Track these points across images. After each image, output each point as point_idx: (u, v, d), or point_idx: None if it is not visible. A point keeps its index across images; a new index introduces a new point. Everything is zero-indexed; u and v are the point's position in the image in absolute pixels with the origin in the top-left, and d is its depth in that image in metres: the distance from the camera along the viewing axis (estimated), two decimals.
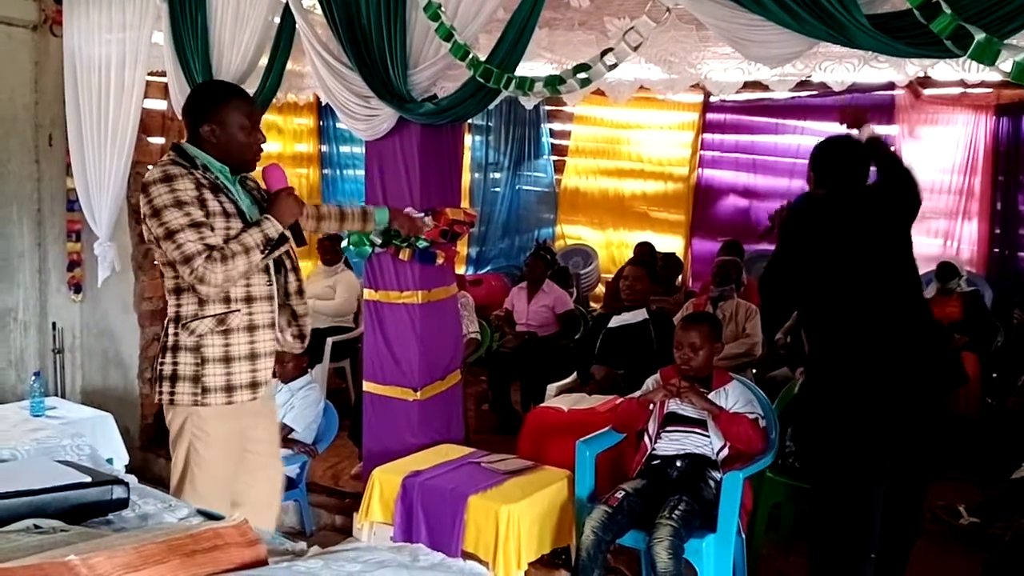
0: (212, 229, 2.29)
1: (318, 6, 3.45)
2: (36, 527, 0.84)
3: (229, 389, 2.36)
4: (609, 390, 3.82)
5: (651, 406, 3.08)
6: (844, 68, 4.02)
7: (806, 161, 2.99)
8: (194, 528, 0.81)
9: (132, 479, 1.01)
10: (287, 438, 3.66)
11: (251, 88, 3.87)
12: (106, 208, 4.30)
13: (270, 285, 2.45)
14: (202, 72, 3.81)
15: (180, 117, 4.22)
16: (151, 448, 4.65)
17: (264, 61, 3.80)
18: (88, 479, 0.96)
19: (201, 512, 0.98)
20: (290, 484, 3.55)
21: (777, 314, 3.42)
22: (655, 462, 3.03)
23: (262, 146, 2.50)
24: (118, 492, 0.97)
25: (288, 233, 2.41)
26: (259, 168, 2.55)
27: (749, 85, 4.62)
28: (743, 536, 2.96)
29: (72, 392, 4.85)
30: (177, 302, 2.39)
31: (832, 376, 2.69)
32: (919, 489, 2.76)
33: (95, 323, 4.84)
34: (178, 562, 0.71)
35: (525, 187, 8.81)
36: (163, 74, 4.13)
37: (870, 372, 2.60)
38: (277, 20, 3.70)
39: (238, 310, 2.38)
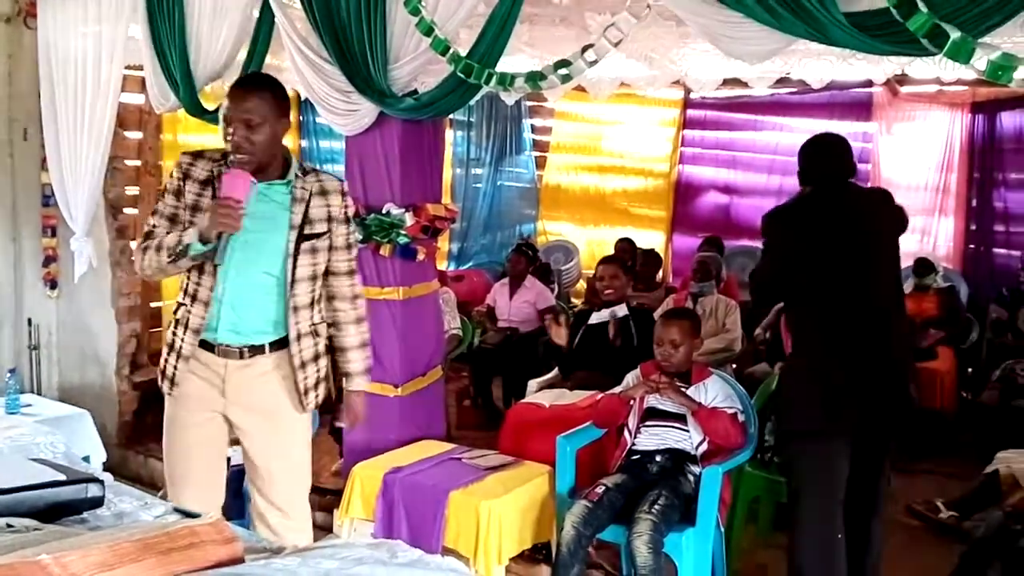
0: (172, 220, 2.39)
1: (297, 0, 3.43)
2: (9, 526, 0.83)
3: (162, 376, 2.50)
4: (590, 386, 3.83)
5: (631, 401, 3.09)
6: (822, 65, 4.08)
7: (786, 158, 3.04)
8: (170, 526, 0.80)
9: (108, 477, 1.01)
10: None
11: (230, 82, 3.84)
12: (82, 203, 4.24)
13: (211, 291, 2.38)
14: (179, 66, 3.77)
15: (157, 111, 4.22)
16: (129, 445, 4.60)
17: (243, 55, 3.76)
18: (63, 477, 0.95)
19: (177, 510, 0.97)
20: None
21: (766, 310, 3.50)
22: (635, 457, 3.04)
23: (239, 145, 2.30)
24: (93, 490, 0.96)
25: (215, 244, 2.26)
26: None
27: (729, 82, 4.67)
28: (722, 530, 2.98)
29: (48, 389, 4.79)
30: None
31: (805, 361, 2.77)
32: (878, 466, 2.80)
33: (71, 319, 4.78)
34: (154, 560, 0.71)
35: (507, 183, 8.79)
36: (140, 68, 4.08)
37: (838, 352, 2.67)
38: (256, 14, 3.66)
39: (185, 304, 2.43)
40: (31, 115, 4.59)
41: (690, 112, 7.97)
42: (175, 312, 2.47)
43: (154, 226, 2.39)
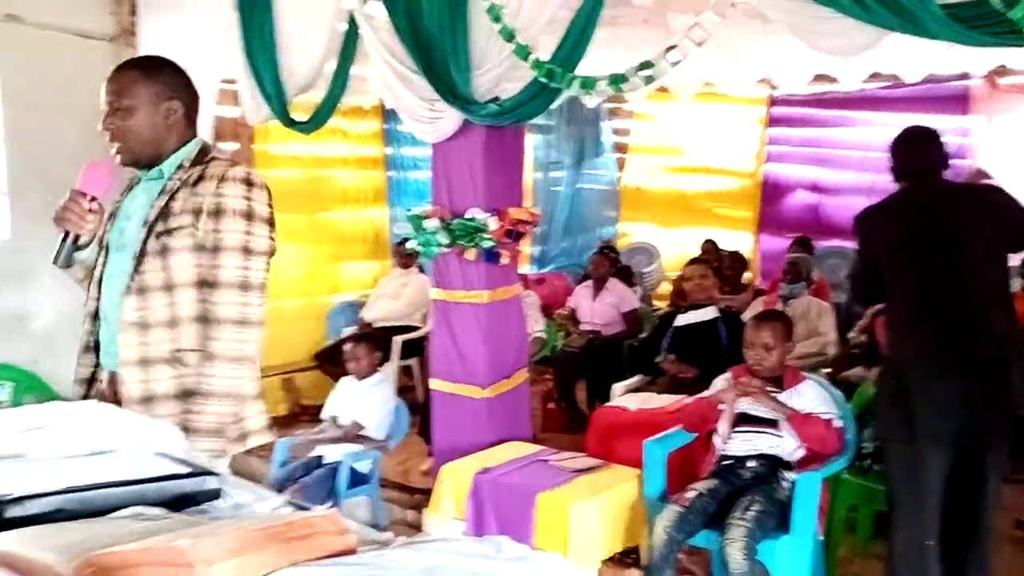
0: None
1: (382, 12, 3.51)
2: (141, 515, 0.89)
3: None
4: (677, 389, 3.79)
5: (721, 406, 3.05)
6: (917, 58, 3.93)
7: (877, 154, 2.95)
8: (289, 517, 0.84)
9: (224, 470, 1.06)
10: (359, 435, 3.74)
11: (319, 94, 3.98)
12: None
13: (87, 304, 2.04)
14: (271, 79, 3.91)
15: (251, 123, 4.39)
16: None
17: (330, 67, 3.88)
18: (185, 470, 1.01)
19: (291, 503, 1.01)
20: (362, 480, 3.62)
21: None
22: (727, 462, 2.99)
23: (110, 135, 1.99)
24: (211, 483, 1.01)
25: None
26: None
27: (817, 78, 4.54)
28: (820, 538, 2.90)
29: None
30: None
31: (895, 365, 2.69)
32: (979, 475, 2.66)
33: None
34: (275, 548, 0.74)
35: (586, 186, 8.78)
36: (234, 82, 4.25)
37: (925, 355, 2.58)
38: (342, 27, 3.77)
39: (83, 322, 2.07)
40: None
41: (775, 109, 7.79)
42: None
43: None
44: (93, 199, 1.93)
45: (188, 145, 2.02)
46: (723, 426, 3.04)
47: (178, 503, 0.96)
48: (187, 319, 1.89)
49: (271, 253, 1.97)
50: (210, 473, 1.03)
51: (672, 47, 2.86)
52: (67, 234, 1.93)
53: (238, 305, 1.89)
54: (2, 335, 4.23)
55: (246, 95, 4.10)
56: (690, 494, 2.82)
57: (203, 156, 2.00)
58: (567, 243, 8.68)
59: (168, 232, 1.91)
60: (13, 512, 0.88)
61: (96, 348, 2.02)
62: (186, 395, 1.89)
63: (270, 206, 1.98)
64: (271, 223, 1.97)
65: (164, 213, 1.92)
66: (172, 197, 1.93)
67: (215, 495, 1.00)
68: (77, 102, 3.15)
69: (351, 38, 3.75)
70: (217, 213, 1.90)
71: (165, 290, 1.89)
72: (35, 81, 4.41)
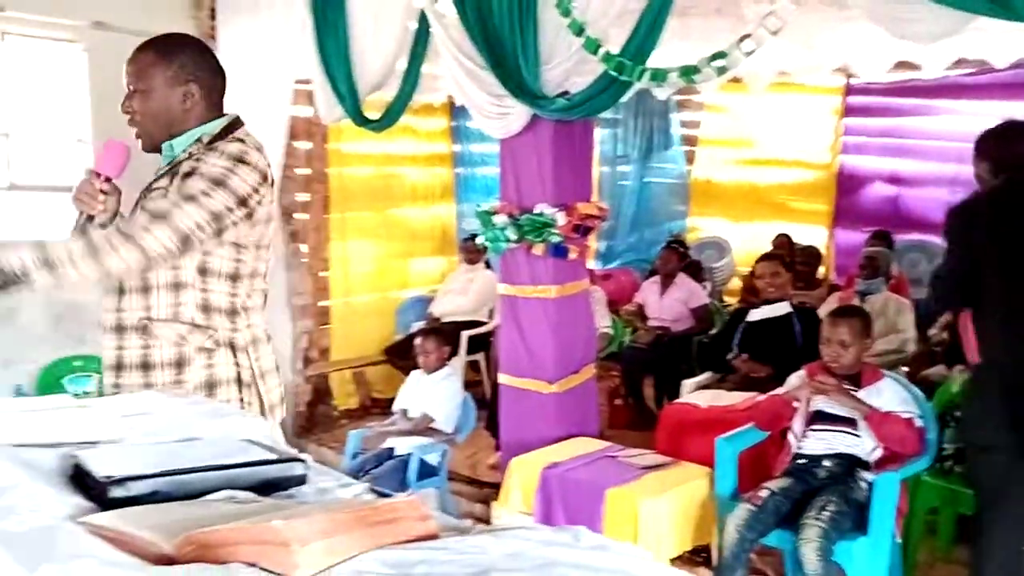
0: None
1: (452, 9, 3.55)
2: (232, 498, 0.93)
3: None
4: (749, 386, 3.73)
5: (796, 403, 2.98)
6: (1007, 43, 3.75)
7: (961, 144, 2.81)
8: (374, 502, 0.87)
9: (308, 457, 1.10)
10: (429, 427, 3.79)
11: (390, 92, 4.05)
12: None
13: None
14: (344, 78, 3.99)
15: (325, 122, 4.49)
16: (301, 434, 4.94)
17: (401, 65, 3.94)
18: (273, 456, 1.05)
19: (373, 490, 1.04)
20: (431, 472, 3.68)
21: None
22: (801, 461, 2.93)
23: (127, 116, 1.96)
24: (298, 469, 1.05)
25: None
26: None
27: (898, 65, 4.38)
28: (898, 541, 2.81)
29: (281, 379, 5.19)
30: None
31: (991, 371, 2.55)
32: None
33: None
34: (362, 532, 0.77)
35: (654, 179, 8.67)
36: (308, 82, 4.36)
37: None
38: (413, 25, 3.83)
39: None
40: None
41: (851, 99, 7.53)
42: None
43: None
44: (108, 179, 1.91)
45: (211, 123, 1.94)
46: (798, 424, 2.98)
47: (266, 488, 1.00)
48: (160, 285, 1.85)
49: (217, 218, 1.79)
50: (296, 459, 1.06)
51: (746, 36, 2.80)
52: (81, 215, 1.91)
53: (154, 227, 1.73)
54: (91, 329, 4.44)
55: (320, 95, 4.19)
56: (763, 493, 2.77)
57: (226, 133, 1.92)
58: (634, 238, 8.59)
59: (148, 191, 1.89)
60: (116, 493, 0.93)
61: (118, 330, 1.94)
62: (149, 366, 1.86)
63: (254, 189, 1.85)
64: (243, 201, 1.83)
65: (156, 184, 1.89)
66: (176, 169, 1.87)
67: (301, 480, 1.04)
68: None
69: (421, 36, 3.80)
70: (188, 175, 1.83)
71: None
72: (121, 83, 4.60)
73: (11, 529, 0.82)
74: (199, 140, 1.91)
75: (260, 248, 1.95)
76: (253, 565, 0.72)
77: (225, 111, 1.99)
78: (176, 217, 1.74)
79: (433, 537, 0.82)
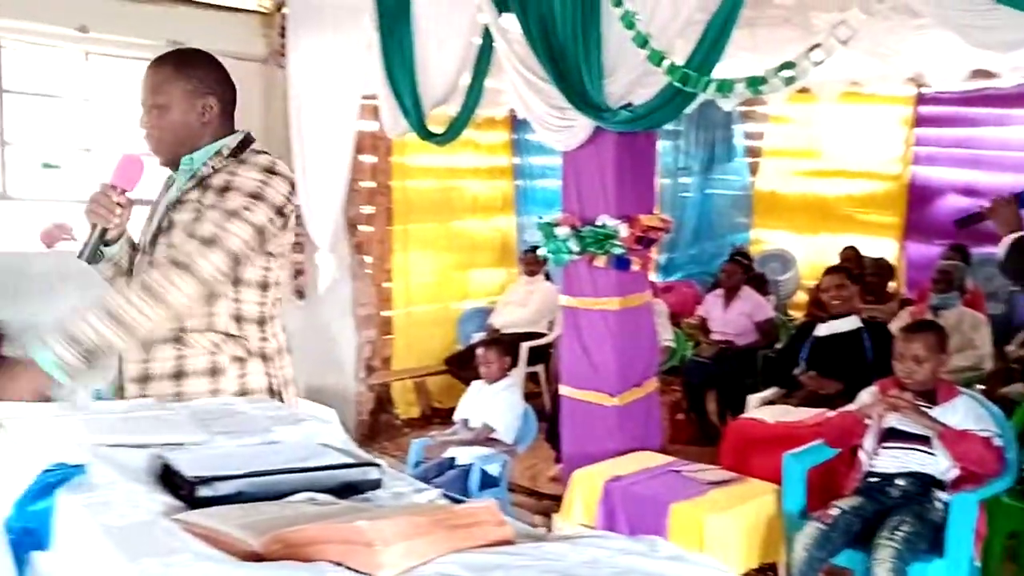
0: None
1: (515, 24, 3.58)
2: (313, 499, 0.96)
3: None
4: (817, 402, 3.64)
5: (868, 420, 2.90)
6: None
7: None
8: (452, 506, 0.88)
9: (383, 462, 1.12)
10: (489, 437, 3.81)
11: (454, 107, 4.10)
12: (326, 222, 4.69)
13: None
14: (409, 93, 4.06)
15: (390, 136, 4.58)
16: (364, 442, 5.00)
17: (465, 80, 3.99)
18: (350, 460, 1.08)
19: (446, 495, 1.06)
20: (492, 482, 3.69)
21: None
22: (873, 479, 2.84)
23: (145, 132, 1.95)
24: (373, 473, 1.07)
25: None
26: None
27: (974, 74, 4.26)
28: (977, 564, 2.71)
29: (297, 390, 5.32)
30: None
31: None
32: None
33: (316, 327, 5.28)
34: (441, 535, 0.78)
35: (717, 191, 8.57)
36: (373, 97, 4.44)
37: None
38: (477, 41, 3.87)
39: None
40: (281, 146, 5.14)
41: (923, 108, 7.32)
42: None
43: None
44: (123, 192, 1.88)
45: (228, 137, 1.95)
46: (870, 441, 2.90)
47: (344, 490, 1.03)
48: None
49: (261, 232, 1.82)
50: (373, 464, 1.09)
51: (816, 46, 2.76)
52: (95, 228, 1.87)
53: (183, 252, 1.76)
54: None
55: (385, 109, 4.27)
56: (833, 511, 2.71)
57: (243, 148, 1.94)
58: (695, 250, 8.50)
59: (177, 205, 1.88)
60: (203, 492, 0.97)
61: None
62: (182, 375, 1.85)
63: (286, 197, 1.89)
64: (280, 211, 1.87)
65: (184, 199, 1.88)
66: (201, 182, 1.87)
67: (377, 484, 1.06)
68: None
69: (485, 51, 3.84)
70: (224, 190, 1.83)
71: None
72: None
73: (111, 523, 0.86)
74: (219, 153, 1.92)
75: (283, 257, 1.99)
76: (338, 564, 0.75)
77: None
78: (225, 239, 1.77)
79: (509, 543, 0.83)
